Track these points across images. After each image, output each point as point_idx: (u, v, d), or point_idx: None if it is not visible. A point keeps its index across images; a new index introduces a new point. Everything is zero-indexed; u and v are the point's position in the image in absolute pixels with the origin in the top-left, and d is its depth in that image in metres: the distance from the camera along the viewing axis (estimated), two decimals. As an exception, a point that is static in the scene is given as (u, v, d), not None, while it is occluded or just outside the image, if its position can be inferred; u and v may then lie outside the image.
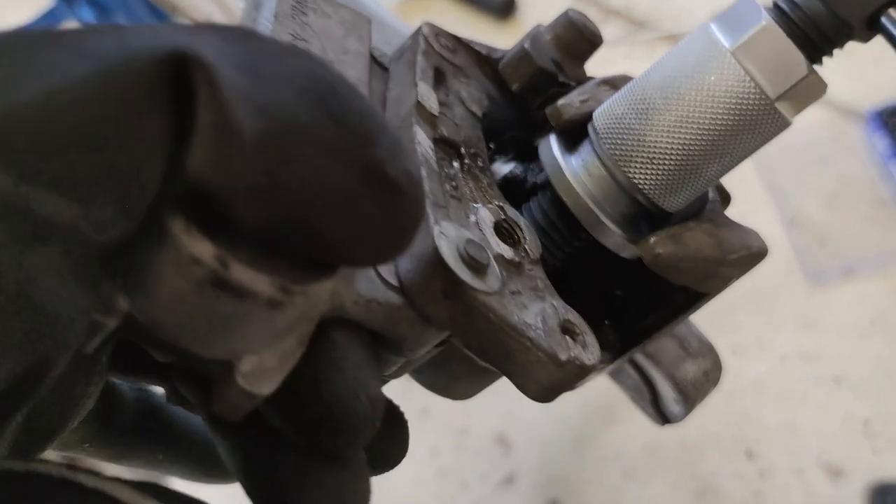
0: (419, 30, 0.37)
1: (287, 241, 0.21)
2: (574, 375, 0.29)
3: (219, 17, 0.68)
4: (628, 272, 0.35)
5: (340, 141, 0.21)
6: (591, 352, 0.29)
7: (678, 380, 0.49)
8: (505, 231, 0.31)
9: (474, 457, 1.24)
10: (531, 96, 0.37)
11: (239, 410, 0.23)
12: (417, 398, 1.29)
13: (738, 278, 0.35)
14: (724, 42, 0.31)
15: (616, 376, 0.55)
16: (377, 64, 0.37)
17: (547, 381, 0.29)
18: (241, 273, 0.20)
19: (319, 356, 0.25)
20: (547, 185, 0.34)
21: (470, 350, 0.29)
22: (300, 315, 0.22)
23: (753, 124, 0.32)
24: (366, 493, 0.27)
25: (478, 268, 0.28)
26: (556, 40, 0.38)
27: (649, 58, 1.29)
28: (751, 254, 0.35)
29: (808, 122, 1.46)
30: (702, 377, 0.49)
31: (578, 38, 0.38)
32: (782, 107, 0.32)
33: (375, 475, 0.32)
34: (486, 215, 0.31)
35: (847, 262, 1.27)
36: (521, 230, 0.32)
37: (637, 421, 1.25)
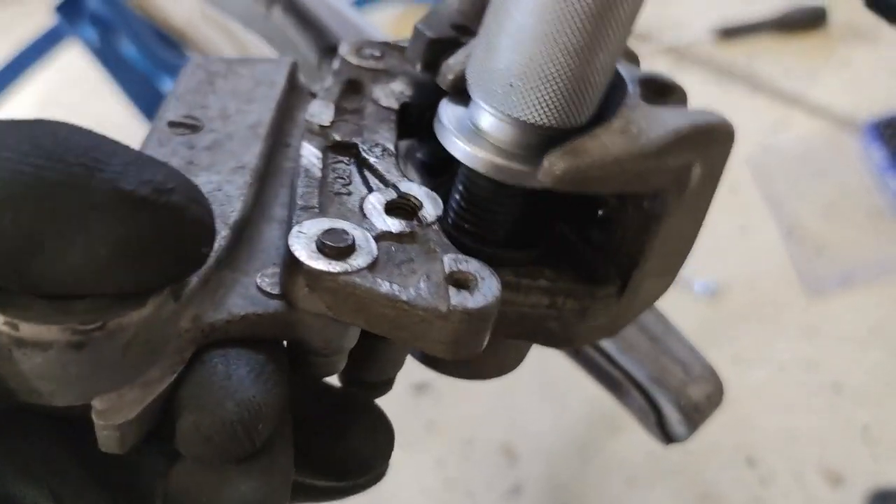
0: (339, 50, 0.39)
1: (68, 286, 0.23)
2: (463, 322, 0.29)
3: (227, 47, 0.70)
4: (584, 198, 0.34)
5: (56, 174, 0.22)
6: (481, 294, 0.29)
7: (682, 403, 0.51)
8: (399, 207, 0.32)
9: (480, 467, 1.26)
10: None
11: (110, 443, 0.26)
12: (423, 411, 1.31)
13: (704, 165, 0.32)
14: None
15: (623, 399, 0.57)
16: (313, 96, 0.39)
17: (441, 336, 0.29)
18: (31, 330, 0.23)
19: (189, 375, 0.27)
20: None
21: (370, 329, 0.30)
22: (125, 346, 0.25)
23: (600, 7, 0.28)
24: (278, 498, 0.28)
25: (336, 253, 0.29)
26: (460, 6, 0.38)
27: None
28: (690, 132, 0.31)
29: (805, 133, 1.49)
30: (705, 400, 0.52)
31: None
32: None
33: (360, 485, 0.33)
34: (375, 199, 0.32)
35: (845, 272, 1.29)
36: (415, 199, 0.32)
37: (640, 430, 1.27)
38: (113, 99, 2.01)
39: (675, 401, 0.51)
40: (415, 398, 1.33)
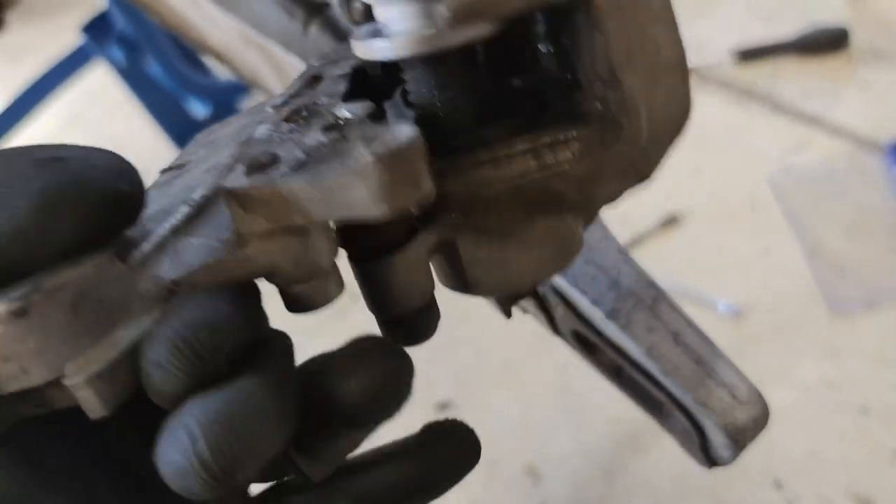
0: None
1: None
2: (381, 168, 0.27)
3: (266, 69, 0.70)
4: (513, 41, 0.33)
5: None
6: (396, 132, 0.28)
7: (729, 426, 0.51)
8: (334, 125, 0.31)
9: (505, 488, 1.26)
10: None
11: (91, 405, 0.27)
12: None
13: None
14: None
15: (664, 421, 0.57)
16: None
17: (366, 192, 0.28)
18: None
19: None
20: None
21: (307, 220, 0.29)
22: (70, 308, 0.26)
23: None
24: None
25: (261, 166, 0.29)
26: None
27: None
28: None
29: (826, 153, 1.49)
30: (751, 424, 0.51)
31: None
32: None
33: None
34: (311, 131, 0.31)
35: (869, 292, 1.29)
36: (346, 116, 0.31)
37: (665, 451, 1.26)
38: (135, 116, 2.04)
39: (720, 424, 0.51)
40: (436, 417, 1.33)
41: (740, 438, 0.52)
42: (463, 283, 0.36)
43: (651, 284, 0.52)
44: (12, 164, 0.27)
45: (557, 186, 0.33)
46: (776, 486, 1.17)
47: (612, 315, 0.51)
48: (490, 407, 1.35)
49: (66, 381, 0.26)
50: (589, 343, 0.56)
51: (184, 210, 0.30)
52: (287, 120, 0.33)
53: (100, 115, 2.29)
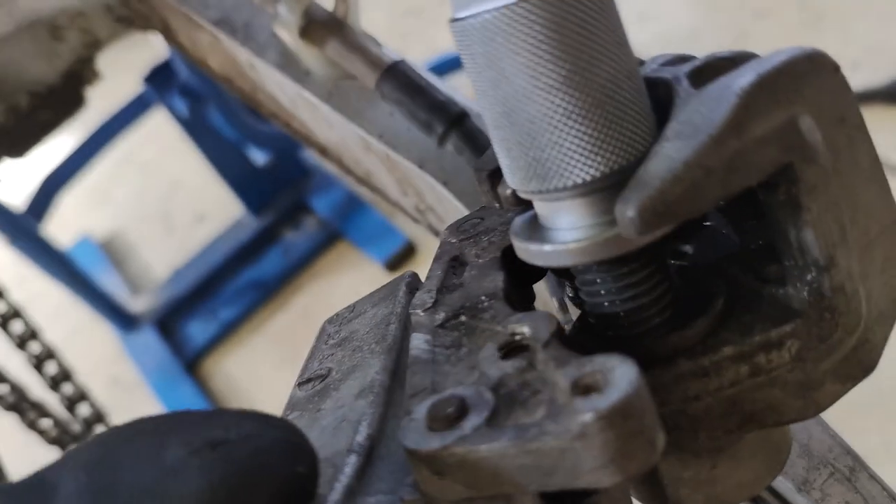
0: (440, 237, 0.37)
1: None
2: (606, 429, 0.23)
3: (384, 178, 0.66)
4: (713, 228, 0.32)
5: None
6: (613, 389, 0.23)
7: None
8: (512, 346, 0.28)
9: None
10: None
11: None
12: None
13: (815, 111, 0.27)
14: (454, 19, 0.27)
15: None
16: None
17: (594, 458, 0.24)
18: None
19: None
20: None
21: (520, 492, 0.26)
22: None
23: (540, 31, 0.26)
24: None
25: (447, 423, 0.26)
26: None
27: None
28: (762, 84, 0.26)
29: None
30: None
31: None
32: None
33: None
34: (489, 351, 0.28)
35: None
36: (525, 331, 0.28)
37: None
38: (190, 159, 2.02)
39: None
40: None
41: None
42: (664, 502, 0.32)
43: (847, 451, 0.47)
44: (164, 454, 0.24)
45: (775, 395, 0.28)
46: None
47: (804, 487, 0.46)
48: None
49: None
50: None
51: (352, 462, 0.28)
52: (443, 326, 0.30)
53: (154, 156, 2.28)
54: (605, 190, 0.27)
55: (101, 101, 1.66)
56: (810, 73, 0.26)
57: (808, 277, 0.28)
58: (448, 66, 1.98)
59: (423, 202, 0.63)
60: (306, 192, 1.88)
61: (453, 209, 0.58)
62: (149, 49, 1.80)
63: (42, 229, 1.76)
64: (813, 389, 0.29)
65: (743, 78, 0.26)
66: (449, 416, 0.26)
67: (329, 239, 1.84)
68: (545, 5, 0.25)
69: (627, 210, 0.25)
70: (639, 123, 0.27)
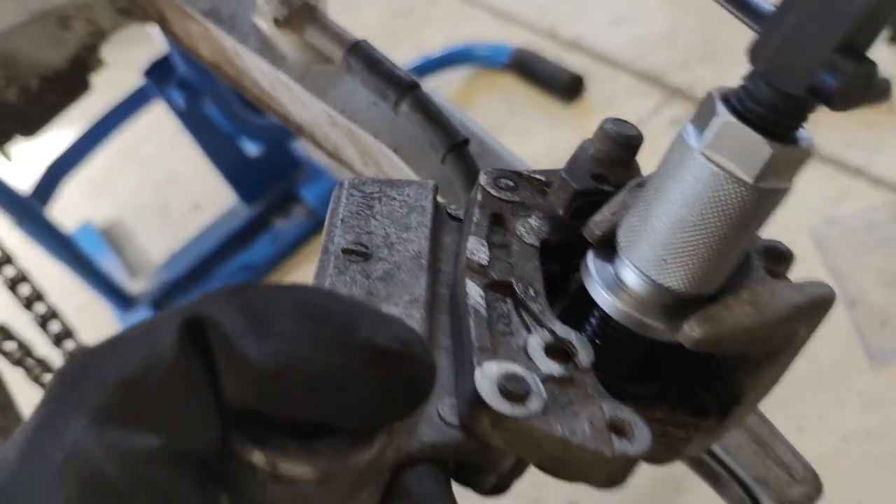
0: (478, 180, 0.42)
1: (321, 425, 0.27)
2: (623, 466, 0.32)
3: (350, 151, 0.75)
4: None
5: (326, 336, 0.27)
6: (637, 442, 0.33)
7: (784, 502, 0.55)
8: (557, 350, 0.35)
9: (549, 526, 1.30)
10: (584, 215, 0.40)
11: None
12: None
13: (808, 332, 0.37)
14: (693, 143, 0.33)
15: (721, 491, 0.61)
16: (451, 218, 0.43)
17: (603, 475, 0.33)
18: (288, 467, 0.27)
19: (393, 495, 0.31)
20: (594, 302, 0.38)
21: (535, 465, 0.34)
22: (355, 479, 0.28)
23: (744, 206, 0.33)
24: None
25: (517, 397, 0.32)
26: (596, 154, 0.42)
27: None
28: (806, 307, 0.36)
29: (868, 204, 1.52)
30: (805, 500, 0.56)
31: (616, 147, 0.41)
32: (768, 184, 0.33)
33: None
34: (535, 342, 0.35)
35: (909, 343, 1.32)
36: (572, 346, 0.36)
37: (703, 493, 1.29)
38: (188, 153, 2.10)
39: (776, 499, 0.55)
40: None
41: (794, 512, 0.56)
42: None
43: (764, 421, 0.57)
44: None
45: (657, 448, 0.37)
46: (816, 533, 1.20)
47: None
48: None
49: None
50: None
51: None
52: (492, 288, 0.37)
53: (153, 150, 2.37)
54: (679, 298, 0.36)
55: (104, 95, 1.75)
56: (825, 306, 0.37)
57: (724, 399, 0.39)
58: (434, 64, 2.07)
59: (382, 172, 0.72)
60: (296, 182, 1.97)
61: (405, 176, 0.68)
62: (150, 46, 1.89)
63: (47, 213, 1.84)
64: (675, 454, 0.40)
65: (797, 296, 0.36)
66: (518, 393, 0.32)
67: (316, 227, 1.94)
68: (752, 196, 0.33)
69: (695, 331, 0.34)
70: (730, 272, 0.36)
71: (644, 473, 1.27)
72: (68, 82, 0.95)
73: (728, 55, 1.87)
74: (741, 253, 0.35)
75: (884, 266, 1.41)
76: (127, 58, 1.91)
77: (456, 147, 0.61)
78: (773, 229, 1.34)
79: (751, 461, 0.56)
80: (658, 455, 0.39)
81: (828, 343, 1.37)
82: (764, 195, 0.33)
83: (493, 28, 2.15)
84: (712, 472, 0.61)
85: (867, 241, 1.44)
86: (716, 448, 0.56)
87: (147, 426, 0.25)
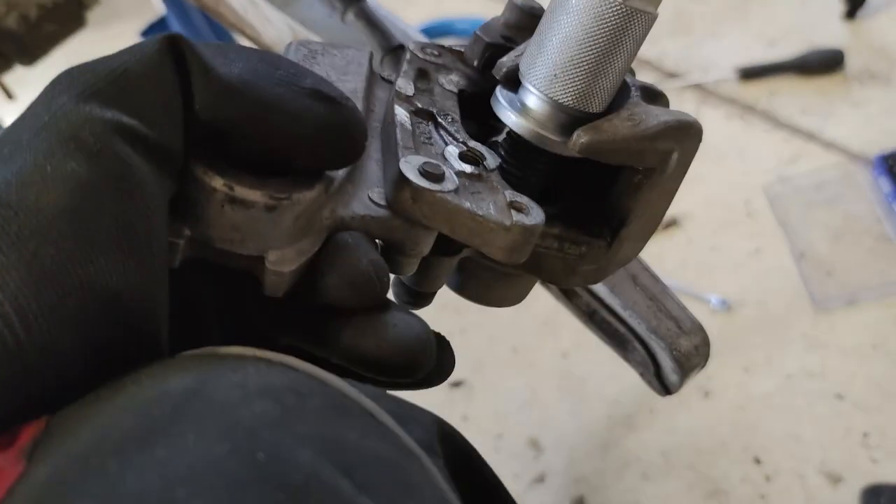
0: (408, 47, 0.49)
1: (272, 162, 0.31)
2: (521, 234, 0.37)
3: (290, 40, 0.84)
4: (592, 171, 0.44)
5: (281, 75, 0.31)
6: (533, 217, 0.38)
7: (675, 353, 0.63)
8: (469, 156, 0.42)
9: (509, 458, 1.37)
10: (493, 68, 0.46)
11: (275, 287, 0.33)
12: (458, 407, 1.43)
13: (680, 153, 0.42)
14: None
15: (627, 356, 0.69)
16: (384, 80, 0.49)
17: (503, 243, 0.38)
18: (242, 191, 0.30)
19: (327, 244, 0.35)
20: (503, 126, 0.44)
21: (449, 234, 0.39)
22: (296, 216, 0.32)
23: (617, 22, 0.39)
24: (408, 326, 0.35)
25: (434, 178, 0.37)
26: (506, 22, 0.48)
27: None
28: (675, 125, 0.41)
29: (819, 166, 1.60)
30: (693, 350, 0.63)
31: (522, 15, 0.48)
32: (635, 4, 0.39)
33: (435, 383, 0.41)
34: (452, 150, 0.42)
35: (851, 292, 1.40)
36: (482, 154, 0.42)
37: (655, 430, 1.37)
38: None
39: (668, 350, 0.62)
40: (450, 395, 1.45)
41: (685, 363, 0.63)
42: (462, 291, 0.50)
43: (657, 279, 0.64)
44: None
45: (555, 264, 0.45)
46: (756, 462, 1.28)
47: (613, 289, 0.63)
48: (499, 387, 1.46)
49: (267, 264, 0.32)
50: (568, 292, 0.68)
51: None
52: (417, 114, 0.43)
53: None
54: (572, 115, 0.42)
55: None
56: (693, 133, 0.43)
57: (611, 223, 0.45)
58: (442, 30, 2.14)
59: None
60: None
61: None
62: (151, 15, 1.97)
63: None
64: (572, 273, 0.46)
65: (668, 116, 0.42)
66: (435, 175, 0.38)
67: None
68: (623, 12, 0.39)
69: (582, 138, 0.40)
70: (613, 91, 0.42)
71: (599, 412, 1.35)
72: (65, 14, 1.03)
73: (731, 36, 1.95)
74: (620, 73, 0.41)
75: (830, 222, 1.49)
76: (128, 31, 1.99)
77: (392, 51, 0.69)
78: (730, 185, 1.45)
79: (645, 315, 0.63)
80: (557, 273, 0.45)
81: (777, 292, 1.45)
82: (633, 13, 0.39)
83: (477, 4, 2.23)
84: (618, 335, 0.68)
85: (816, 199, 1.52)
86: (615, 305, 0.64)
87: (124, 108, 0.28)
